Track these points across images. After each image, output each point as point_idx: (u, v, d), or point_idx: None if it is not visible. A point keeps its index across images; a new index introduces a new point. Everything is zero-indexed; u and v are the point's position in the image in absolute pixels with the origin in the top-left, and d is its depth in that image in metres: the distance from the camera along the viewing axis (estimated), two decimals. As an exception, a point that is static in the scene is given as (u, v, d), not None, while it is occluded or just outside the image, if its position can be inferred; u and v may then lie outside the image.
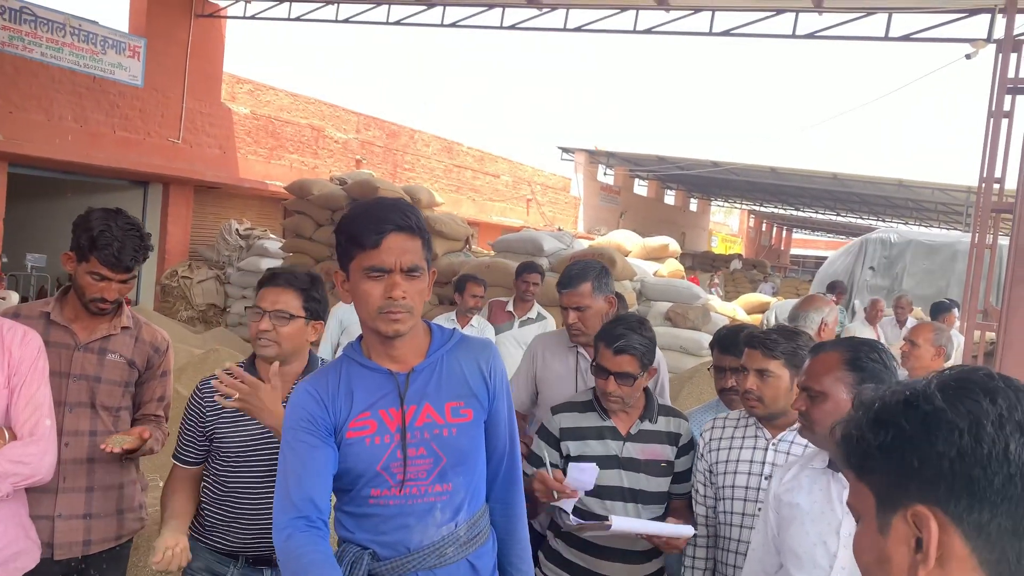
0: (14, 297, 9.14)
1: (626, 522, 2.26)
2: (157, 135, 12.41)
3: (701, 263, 25.91)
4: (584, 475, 2.28)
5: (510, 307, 5.52)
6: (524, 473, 2.02)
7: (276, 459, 2.17)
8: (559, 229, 16.69)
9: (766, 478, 2.38)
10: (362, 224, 1.70)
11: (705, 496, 2.54)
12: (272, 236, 12.23)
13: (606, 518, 2.25)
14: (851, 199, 27.88)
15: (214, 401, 2.22)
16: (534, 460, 2.44)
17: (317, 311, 2.29)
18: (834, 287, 8.50)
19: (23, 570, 2.14)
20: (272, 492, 2.16)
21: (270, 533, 2.16)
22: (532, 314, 5.44)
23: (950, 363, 4.29)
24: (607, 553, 2.43)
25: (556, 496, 2.26)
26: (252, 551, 2.29)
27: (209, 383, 2.26)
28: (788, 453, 2.39)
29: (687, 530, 2.34)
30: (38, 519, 2.27)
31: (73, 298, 2.41)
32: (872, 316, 7.65)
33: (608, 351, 2.40)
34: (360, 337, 1.84)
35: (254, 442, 2.26)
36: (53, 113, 10.94)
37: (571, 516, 2.29)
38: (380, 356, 1.79)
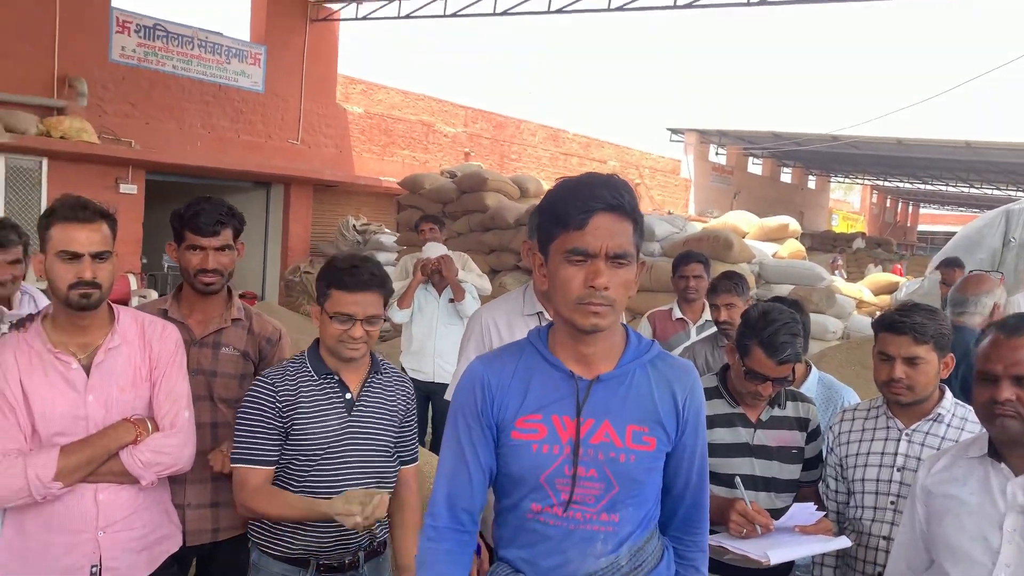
0: (153, 295, 9.77)
1: (783, 554, 2.09)
2: (278, 137, 12.96)
3: (821, 243, 24.79)
4: (808, 516, 2.17)
5: (677, 314, 4.37)
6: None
7: (355, 454, 2.17)
8: (669, 213, 16.37)
9: (898, 470, 2.26)
10: (568, 201, 1.52)
11: (836, 492, 2.42)
12: (387, 231, 12.55)
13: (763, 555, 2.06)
14: (986, 169, 26.01)
15: (290, 392, 2.18)
16: None
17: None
18: (951, 263, 7.73)
19: (168, 553, 2.26)
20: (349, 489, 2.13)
21: (346, 536, 2.18)
22: (708, 315, 4.16)
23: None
24: (738, 572, 2.30)
25: (757, 531, 2.11)
26: (325, 556, 2.19)
27: (277, 374, 2.21)
28: (923, 444, 2.25)
29: (844, 542, 2.20)
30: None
31: (187, 293, 2.52)
32: None
33: (771, 361, 2.25)
34: (550, 324, 1.69)
35: (335, 436, 2.18)
36: (184, 122, 11.61)
37: (730, 545, 2.12)
38: (566, 352, 1.61)
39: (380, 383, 2.30)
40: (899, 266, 18.21)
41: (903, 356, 2.21)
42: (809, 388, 2.78)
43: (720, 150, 26.41)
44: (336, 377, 2.24)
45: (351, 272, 2.15)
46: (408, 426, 2.35)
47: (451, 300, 5.17)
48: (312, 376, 2.23)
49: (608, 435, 1.57)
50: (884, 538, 2.25)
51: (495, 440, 1.63)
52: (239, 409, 2.23)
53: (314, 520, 2.12)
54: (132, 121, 10.99)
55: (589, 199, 1.50)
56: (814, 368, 2.86)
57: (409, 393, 2.37)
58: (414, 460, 2.39)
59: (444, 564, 1.63)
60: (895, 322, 2.24)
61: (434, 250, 5.28)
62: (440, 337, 5.14)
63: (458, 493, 1.65)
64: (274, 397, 2.19)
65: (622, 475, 1.57)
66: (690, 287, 4.24)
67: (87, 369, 2.10)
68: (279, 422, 2.18)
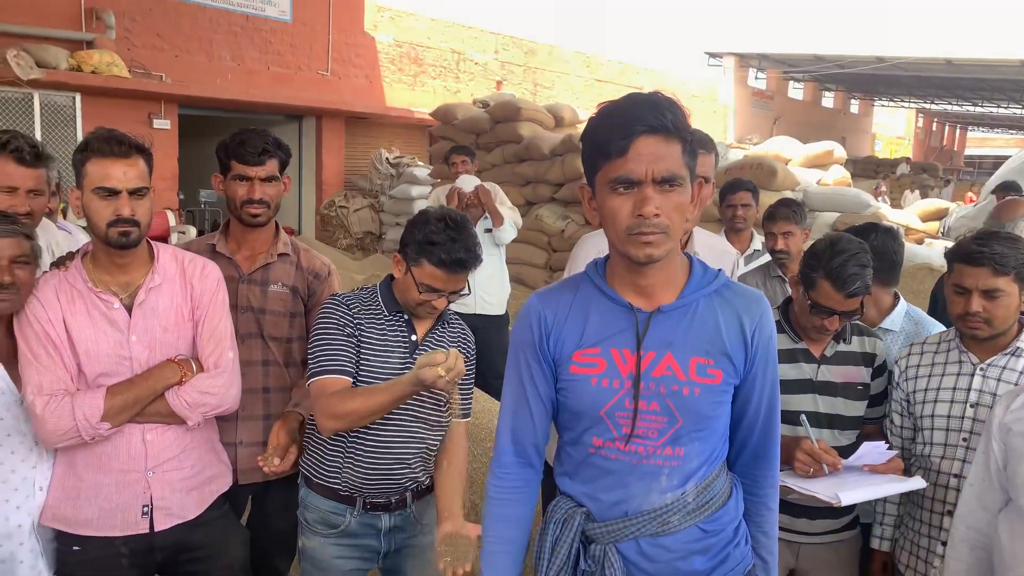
0: (192, 231, 9.83)
1: (854, 496, 2.00)
2: (307, 68, 12.77)
3: (863, 169, 24.12)
4: (880, 455, 2.10)
5: (718, 237, 4.33)
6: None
7: (409, 399, 2.09)
8: (708, 140, 15.95)
9: (971, 406, 2.15)
10: (608, 127, 1.43)
11: (902, 427, 2.32)
12: (420, 163, 12.41)
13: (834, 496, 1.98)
14: (1041, 89, 24.91)
15: (361, 318, 2.14)
16: None
17: None
18: (1006, 187, 7.35)
19: (218, 492, 2.26)
20: (402, 431, 2.15)
21: (395, 474, 2.16)
22: (757, 244, 4.14)
23: None
24: (802, 510, 2.26)
25: (825, 470, 2.04)
26: (372, 495, 2.17)
27: (351, 297, 2.18)
28: (999, 380, 2.13)
29: (919, 483, 2.10)
30: (224, 445, 2.37)
31: (235, 227, 2.47)
32: None
33: (839, 295, 2.13)
34: (608, 256, 1.61)
35: (394, 375, 2.11)
36: (213, 54, 11.47)
37: (797, 486, 2.05)
38: (624, 285, 1.55)
39: (444, 332, 2.26)
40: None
41: (981, 289, 2.07)
42: (895, 321, 2.62)
43: (760, 74, 25.58)
44: (405, 316, 2.19)
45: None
46: (466, 379, 2.29)
47: (487, 230, 5.08)
48: (383, 312, 2.18)
49: (671, 368, 1.51)
50: (955, 476, 2.16)
51: (554, 375, 1.60)
52: (314, 326, 2.18)
53: (404, 399, 2.05)
54: (161, 54, 10.87)
55: (630, 122, 1.41)
56: (902, 300, 2.69)
57: (471, 346, 2.32)
58: (467, 416, 2.34)
59: (510, 504, 1.68)
60: (972, 252, 2.09)
61: (467, 183, 5.16)
62: (479, 268, 5.07)
63: (521, 428, 1.66)
64: (349, 315, 2.15)
65: (686, 408, 1.51)
66: (738, 216, 4.05)
67: (129, 309, 2.06)
68: (353, 340, 2.13)
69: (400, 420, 2.15)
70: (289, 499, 2.34)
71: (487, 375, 4.83)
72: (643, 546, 1.56)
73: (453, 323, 2.30)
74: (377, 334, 2.16)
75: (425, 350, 2.17)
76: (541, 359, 1.60)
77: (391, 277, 2.22)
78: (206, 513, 2.19)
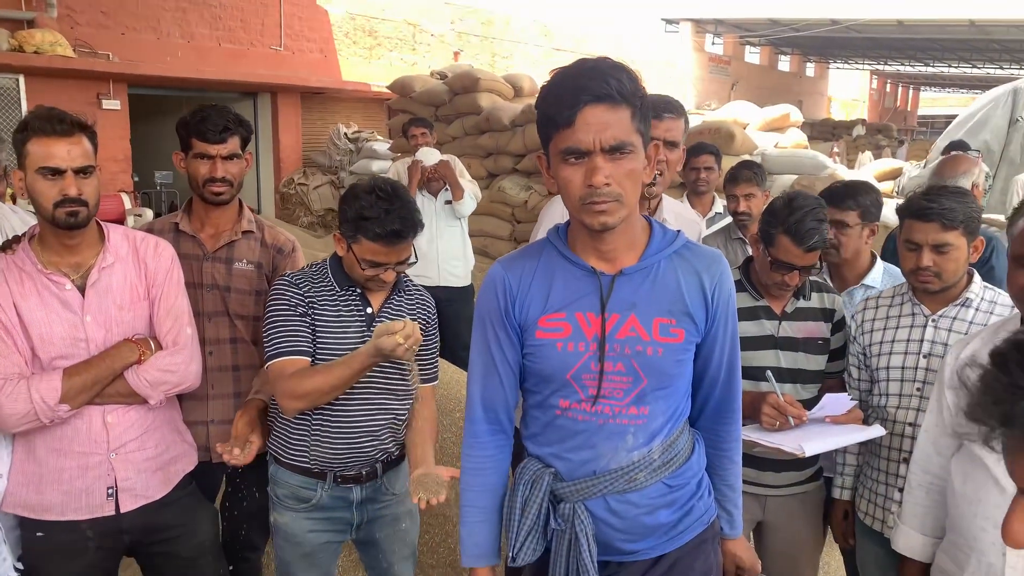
0: (148, 214, 9.63)
1: (817, 446, 2.06)
2: (260, 44, 12.49)
3: (820, 132, 24.38)
4: (841, 406, 2.16)
5: (685, 205, 4.30)
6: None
7: (372, 370, 2.07)
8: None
9: (924, 356, 2.21)
10: (554, 98, 1.44)
11: (859, 380, 2.38)
12: (379, 138, 12.25)
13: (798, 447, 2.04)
14: (990, 48, 25.31)
15: (312, 296, 2.12)
16: None
17: None
18: (956, 147, 7.45)
19: (183, 471, 2.24)
20: (367, 403, 2.14)
21: (364, 447, 2.16)
22: (718, 207, 4.20)
23: None
24: (768, 464, 2.32)
25: (791, 422, 2.09)
26: (342, 468, 2.17)
27: (299, 276, 2.16)
28: (950, 330, 2.19)
29: (878, 431, 2.18)
30: (194, 425, 2.36)
31: (197, 206, 2.44)
32: None
33: (798, 249, 2.17)
34: (568, 222, 1.62)
35: (353, 350, 2.08)
36: (161, 31, 11.15)
37: (762, 439, 2.09)
38: (585, 250, 1.57)
39: (401, 300, 2.24)
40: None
41: (931, 243, 2.12)
42: (874, 279, 2.67)
43: (716, 40, 25.62)
44: (358, 291, 2.17)
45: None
46: (428, 345, 2.29)
47: (447, 202, 5.07)
48: (334, 288, 2.16)
49: (634, 329, 1.54)
50: (910, 424, 2.22)
51: (520, 340, 1.61)
52: (266, 310, 2.16)
53: (364, 371, 2.04)
54: (107, 32, 10.54)
55: (575, 92, 1.41)
56: (879, 259, 2.74)
57: (431, 311, 2.31)
58: (434, 379, 2.34)
59: (486, 472, 1.71)
60: (922, 208, 2.14)
61: (428, 155, 5.13)
62: (443, 240, 5.07)
63: (492, 395, 1.68)
64: (299, 294, 2.13)
65: (650, 367, 1.55)
66: (700, 179, 4.09)
67: (81, 290, 2.02)
68: (307, 319, 2.11)
69: (365, 393, 2.15)
70: (263, 476, 2.34)
71: (454, 346, 4.84)
72: (611, 503, 1.59)
73: (410, 290, 2.29)
74: (331, 310, 2.14)
75: (382, 321, 2.15)
76: (507, 325, 1.61)
77: (336, 256, 2.19)
78: (172, 493, 2.18)
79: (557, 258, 1.60)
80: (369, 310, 2.17)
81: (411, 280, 2.32)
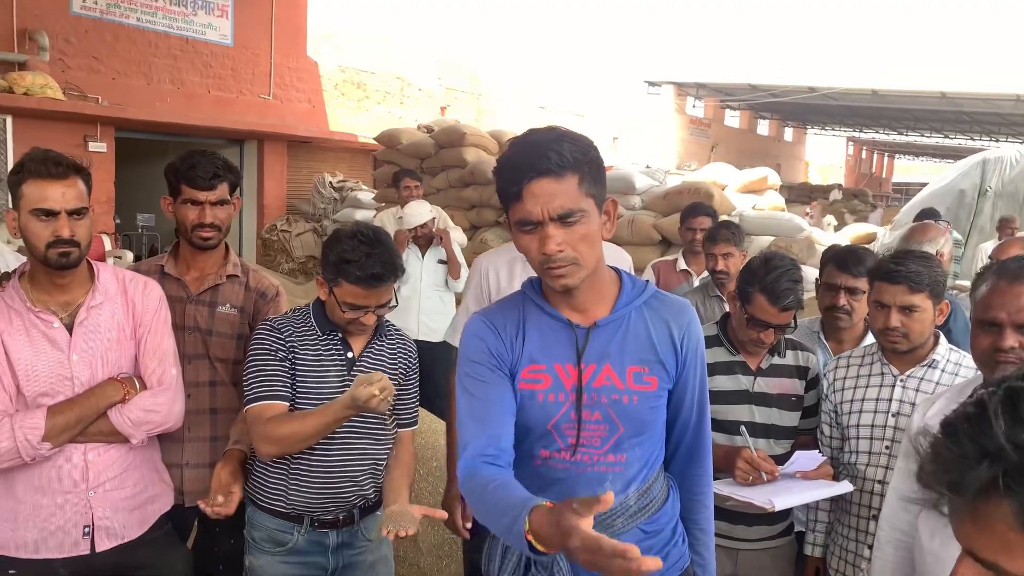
0: (128, 256, 9.61)
1: (786, 501, 2.11)
2: (249, 92, 12.65)
3: (798, 195, 24.87)
4: (811, 462, 2.19)
5: (682, 265, 4.37)
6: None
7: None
8: (647, 167, 16.30)
9: (893, 415, 2.27)
10: (504, 172, 1.50)
11: (831, 438, 2.44)
12: (364, 187, 12.37)
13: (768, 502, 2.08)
14: (961, 119, 26.13)
15: (294, 341, 2.13)
16: None
17: None
18: (927, 215, 7.68)
19: (160, 511, 2.24)
20: (347, 448, 2.15)
21: (342, 491, 2.16)
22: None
23: None
24: (740, 518, 2.34)
25: (763, 477, 2.13)
26: (319, 513, 2.17)
27: (281, 322, 2.18)
28: (917, 390, 2.26)
29: (846, 487, 2.23)
30: (169, 467, 2.35)
31: (184, 249, 2.47)
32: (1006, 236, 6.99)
33: (774, 308, 2.24)
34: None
35: (333, 394, 2.11)
36: (152, 77, 11.28)
37: (734, 493, 2.13)
38: (559, 303, 1.62)
39: (383, 345, 2.27)
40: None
41: (899, 305, 2.20)
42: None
43: (697, 102, 26.25)
44: (339, 335, 2.20)
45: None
46: (409, 389, 2.32)
47: (440, 261, 5.16)
48: (316, 332, 2.19)
49: (609, 378, 1.59)
50: (879, 482, 2.26)
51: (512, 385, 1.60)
52: (247, 354, 2.18)
53: (339, 421, 2.05)
54: (98, 76, 10.65)
55: (518, 169, 1.47)
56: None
57: (412, 356, 2.34)
58: (413, 424, 2.36)
59: (496, 480, 1.46)
60: (890, 271, 2.23)
61: (418, 207, 5.22)
62: (425, 296, 5.12)
63: (494, 428, 1.55)
64: (280, 339, 2.15)
65: (626, 415, 1.59)
66: (697, 239, 4.15)
67: (69, 328, 2.04)
68: (288, 363, 2.13)
69: (345, 438, 2.16)
70: (237, 520, 2.33)
71: (431, 395, 4.85)
72: None
73: (392, 335, 2.31)
74: (312, 355, 2.16)
75: (363, 365, 2.19)
76: (505, 364, 1.59)
77: (319, 301, 2.23)
78: (148, 533, 2.17)
79: (534, 310, 1.64)
80: (350, 354, 2.20)
81: (393, 325, 2.35)
